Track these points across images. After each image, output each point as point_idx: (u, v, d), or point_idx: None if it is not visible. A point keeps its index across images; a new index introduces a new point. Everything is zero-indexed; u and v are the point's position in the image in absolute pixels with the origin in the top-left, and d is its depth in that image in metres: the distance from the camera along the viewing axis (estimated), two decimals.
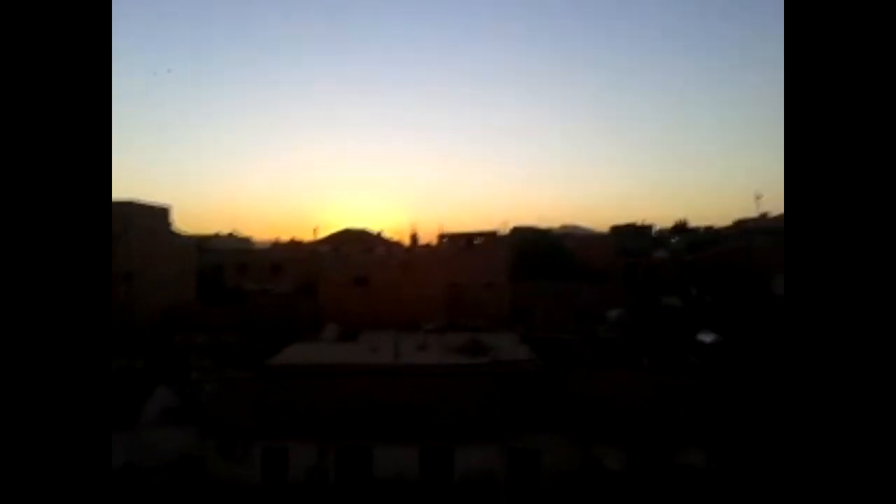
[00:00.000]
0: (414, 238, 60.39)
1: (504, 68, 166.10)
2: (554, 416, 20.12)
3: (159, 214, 43.39)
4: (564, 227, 76.47)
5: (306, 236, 75.17)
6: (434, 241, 59.43)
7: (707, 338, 34.15)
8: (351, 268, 41.89)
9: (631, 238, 66.69)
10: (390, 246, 63.79)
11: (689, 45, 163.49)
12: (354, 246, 60.27)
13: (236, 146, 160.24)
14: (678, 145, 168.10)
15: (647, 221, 74.62)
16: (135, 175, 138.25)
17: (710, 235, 65.23)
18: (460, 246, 53.50)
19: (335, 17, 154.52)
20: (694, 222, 74.95)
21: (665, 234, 72.87)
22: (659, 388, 20.55)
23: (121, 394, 21.86)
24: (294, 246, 72.29)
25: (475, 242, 55.60)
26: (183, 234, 49.76)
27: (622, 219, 79.00)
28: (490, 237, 56.70)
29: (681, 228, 72.75)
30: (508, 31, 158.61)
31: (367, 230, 73.18)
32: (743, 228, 58.28)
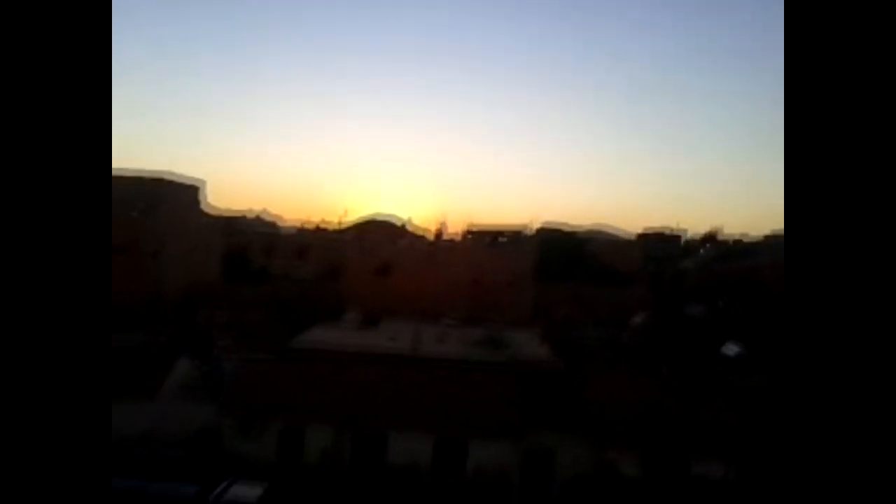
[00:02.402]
0: (439, 231, 60.34)
1: (541, 63, 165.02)
2: (570, 418, 19.88)
3: (189, 192, 43.93)
4: (594, 228, 75.62)
5: (335, 219, 75.60)
6: (460, 232, 59.36)
7: (731, 350, 33.52)
8: (374, 258, 42.04)
9: (659, 245, 65.84)
10: (415, 238, 63.85)
11: (730, 52, 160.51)
12: (379, 235, 60.46)
13: (271, 125, 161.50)
14: (714, 153, 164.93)
15: (679, 229, 73.66)
16: (168, 148, 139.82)
17: (741, 247, 63.95)
18: (485, 243, 53.33)
19: (372, 3, 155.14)
20: (727, 232, 73.73)
21: (695, 244, 71.72)
22: (679, 397, 20.17)
23: (143, 365, 22.17)
24: (320, 232, 72.76)
25: (500, 240, 55.38)
26: (212, 212, 50.37)
27: (652, 224, 77.68)
28: (515, 235, 56.44)
29: (711, 238, 71.50)
30: (544, 25, 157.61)
31: (395, 217, 73.30)
32: (776, 242, 57.01)
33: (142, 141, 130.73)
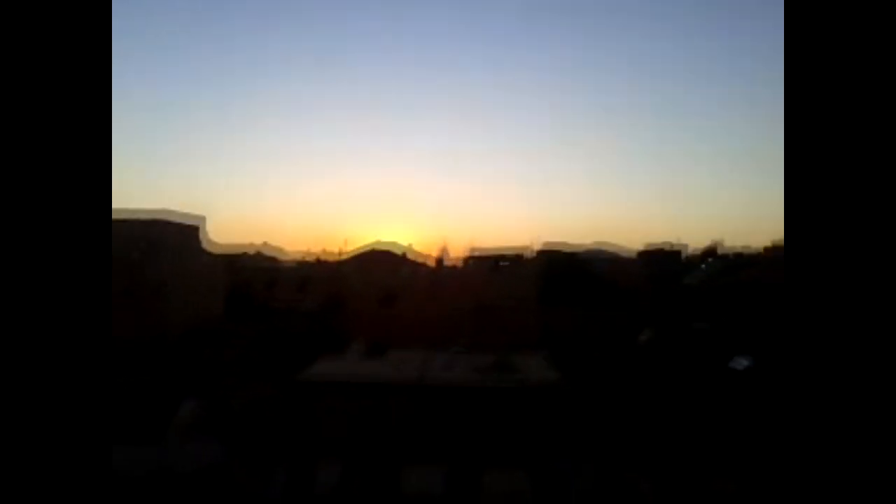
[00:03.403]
0: (440, 258, 60.35)
1: (534, 85, 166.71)
2: (584, 440, 19.63)
3: (190, 230, 44.04)
4: (594, 247, 75.45)
5: (335, 248, 75.63)
6: (461, 257, 59.38)
7: (740, 364, 33.20)
8: (377, 288, 42.00)
9: (661, 261, 65.69)
10: (417, 265, 63.80)
11: (730, 63, 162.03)
12: (380, 264, 60.41)
13: (269, 158, 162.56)
14: (712, 164, 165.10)
15: (679, 244, 73.51)
16: (167, 187, 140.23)
17: (745, 259, 63.69)
18: (487, 266, 53.27)
19: (374, 38, 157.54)
20: (728, 246, 73.43)
21: (697, 257, 71.54)
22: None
23: (148, 408, 21.96)
24: (321, 264, 72.74)
25: (502, 264, 55.28)
26: (214, 249, 50.39)
27: (652, 240, 77.60)
28: (517, 258, 56.40)
29: (712, 252, 71.30)
30: (537, 48, 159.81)
31: (396, 245, 73.30)
32: (776, 253, 56.82)
33: (138, 181, 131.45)
